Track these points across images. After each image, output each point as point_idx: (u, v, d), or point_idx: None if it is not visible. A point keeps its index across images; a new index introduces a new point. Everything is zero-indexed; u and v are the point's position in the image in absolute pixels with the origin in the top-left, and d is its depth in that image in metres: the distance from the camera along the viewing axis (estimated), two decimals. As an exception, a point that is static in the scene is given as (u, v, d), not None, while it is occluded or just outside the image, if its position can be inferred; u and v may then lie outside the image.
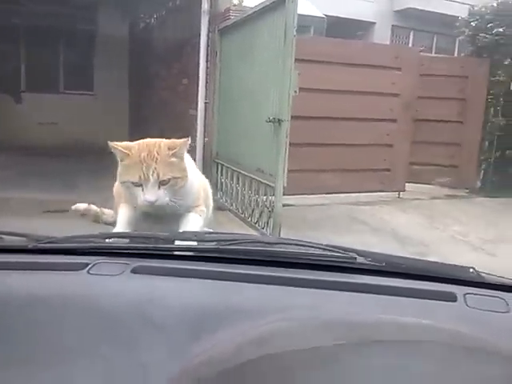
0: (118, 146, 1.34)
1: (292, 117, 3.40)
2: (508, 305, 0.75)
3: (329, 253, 0.88)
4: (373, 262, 0.86)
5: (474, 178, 6.51)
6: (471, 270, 0.85)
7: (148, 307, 0.69)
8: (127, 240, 1.02)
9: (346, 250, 0.88)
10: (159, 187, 1.29)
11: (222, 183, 4.99)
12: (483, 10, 6.29)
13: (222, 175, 5.00)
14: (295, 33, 3.17)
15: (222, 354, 0.57)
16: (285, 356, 0.54)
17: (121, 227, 1.35)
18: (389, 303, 0.74)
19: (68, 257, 0.86)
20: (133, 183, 1.31)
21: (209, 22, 4.92)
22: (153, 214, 1.35)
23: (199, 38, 5.06)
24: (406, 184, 6.13)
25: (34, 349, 0.61)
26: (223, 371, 0.52)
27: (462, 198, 6.32)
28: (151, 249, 0.90)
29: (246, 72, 4.00)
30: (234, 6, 4.53)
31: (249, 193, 4.42)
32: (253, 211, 4.36)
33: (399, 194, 6.06)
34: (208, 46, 4.99)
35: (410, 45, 13.07)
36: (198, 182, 1.47)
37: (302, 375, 0.40)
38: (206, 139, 5.27)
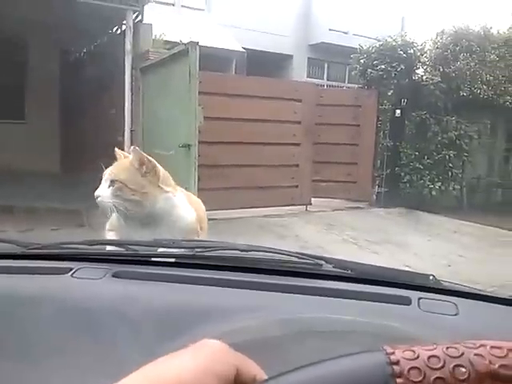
0: (118, 152, 1.47)
1: (209, 142, 4.16)
2: (458, 309, 0.80)
3: (298, 259, 0.93)
4: (338, 268, 0.91)
5: (370, 192, 7.57)
6: (431, 277, 0.91)
7: (126, 308, 0.73)
8: (110, 246, 1.07)
9: (314, 257, 0.93)
10: (109, 186, 1.33)
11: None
12: (370, 49, 7.48)
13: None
14: (198, 76, 3.96)
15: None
16: (242, 344, 0.56)
17: (107, 234, 1.42)
18: (344, 305, 0.79)
19: (54, 262, 0.91)
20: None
21: (132, 60, 5.63)
22: (133, 219, 1.37)
23: (124, 74, 5.76)
24: (314, 199, 7.05)
25: (20, 345, 0.66)
26: None
27: (361, 209, 7.34)
28: (132, 255, 0.95)
29: (163, 105, 4.75)
30: (153, 48, 5.28)
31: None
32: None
33: (306, 207, 6.97)
34: (132, 81, 5.69)
35: (325, 75, 14.45)
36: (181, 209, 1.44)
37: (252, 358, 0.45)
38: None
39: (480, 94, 7.22)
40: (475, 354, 0.37)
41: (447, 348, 0.37)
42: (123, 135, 5.87)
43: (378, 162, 7.53)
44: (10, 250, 0.94)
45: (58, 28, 6.55)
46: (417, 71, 7.53)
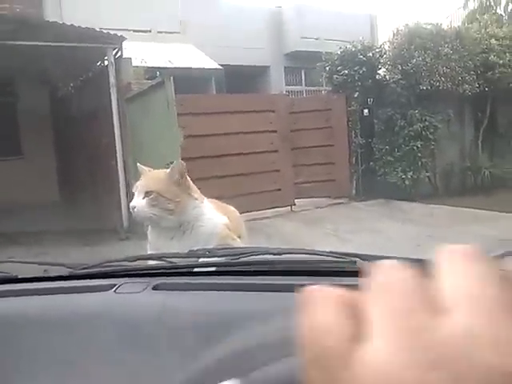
0: (142, 168, 1.51)
1: (192, 158, 4.73)
2: None
3: (331, 258, 0.93)
4: None
5: (349, 188, 8.17)
6: None
7: (166, 319, 0.77)
8: (150, 261, 1.11)
9: (348, 254, 0.92)
10: (143, 197, 1.37)
11: (143, 217, 6.20)
12: (333, 56, 8.12)
13: (142, 211, 6.22)
14: (175, 102, 4.57)
15: (236, 357, 0.63)
16: (285, 342, 0.53)
17: (150, 248, 1.45)
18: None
19: (99, 280, 0.95)
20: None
21: (117, 92, 6.23)
22: (162, 234, 1.41)
23: (111, 105, 6.35)
24: (298, 200, 7.63)
25: (73, 357, 0.72)
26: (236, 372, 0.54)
27: (341, 204, 7.93)
28: (170, 267, 0.99)
29: (148, 129, 5.37)
30: (134, 79, 5.90)
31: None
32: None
33: (291, 208, 7.54)
34: (119, 111, 6.28)
35: (303, 82, 15.09)
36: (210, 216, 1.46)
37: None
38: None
39: (439, 86, 7.81)
40: None
41: None
42: (116, 160, 6.44)
43: (353, 159, 8.13)
44: (58, 271, 1.01)
45: (45, 69, 7.14)
46: (378, 72, 8.16)
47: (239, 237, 1.49)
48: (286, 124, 7.24)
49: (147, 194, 1.37)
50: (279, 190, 7.40)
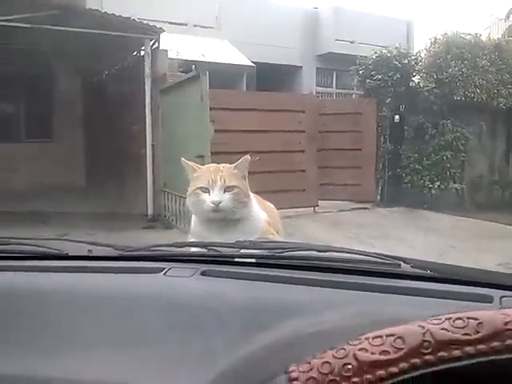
0: (188, 162, 1.51)
1: (221, 152, 4.77)
2: None
3: (375, 259, 0.93)
4: (417, 268, 0.90)
5: (374, 193, 8.11)
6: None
7: (214, 303, 0.79)
8: (197, 248, 1.14)
9: (392, 257, 0.93)
10: (224, 192, 1.40)
11: (169, 207, 6.30)
12: (367, 61, 8.07)
13: (169, 201, 6.31)
14: (208, 95, 4.62)
15: (281, 345, 0.64)
16: (323, 334, 0.62)
17: (192, 236, 1.47)
18: (423, 303, 0.78)
19: (147, 263, 0.98)
20: (202, 189, 1.42)
21: (151, 82, 6.32)
22: (214, 225, 1.43)
23: (145, 95, 6.45)
24: (321, 201, 7.62)
25: (121, 335, 0.75)
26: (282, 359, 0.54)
27: (365, 209, 7.89)
28: (216, 255, 1.02)
29: (179, 121, 5.43)
30: (169, 72, 5.98)
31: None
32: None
33: (314, 209, 7.54)
34: (151, 101, 6.37)
35: (334, 84, 15.00)
36: (258, 210, 1.51)
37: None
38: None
39: (474, 97, 7.70)
40: (359, 349, 0.41)
41: (337, 351, 0.42)
42: (145, 149, 6.54)
43: (380, 164, 8.08)
44: (107, 252, 1.04)
45: (83, 56, 7.29)
46: (413, 79, 8.08)
47: (277, 232, 1.51)
48: (315, 125, 7.23)
49: (228, 188, 1.39)
50: (303, 190, 7.40)
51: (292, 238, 6.29)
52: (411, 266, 0.90)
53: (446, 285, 0.84)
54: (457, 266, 0.96)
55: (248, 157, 1.47)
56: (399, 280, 0.87)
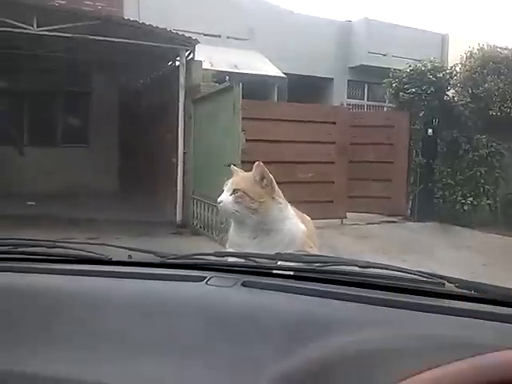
0: (234, 168, 1.56)
1: (251, 161, 4.78)
2: None
3: (418, 277, 0.92)
4: (461, 288, 0.89)
5: (404, 207, 8.01)
6: None
7: (257, 314, 0.80)
8: (236, 258, 1.14)
9: (435, 276, 0.91)
10: (230, 194, 1.44)
11: (197, 214, 6.37)
12: (401, 74, 8.01)
13: (197, 208, 6.39)
14: (240, 107, 4.68)
15: (319, 359, 0.64)
16: (364, 354, 0.63)
17: (228, 242, 1.52)
18: (468, 324, 0.76)
19: (189, 271, 0.99)
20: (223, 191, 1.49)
21: (185, 92, 6.45)
22: (246, 228, 1.46)
23: (178, 104, 6.58)
24: (350, 213, 7.56)
25: (161, 342, 0.76)
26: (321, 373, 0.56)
27: (394, 223, 7.78)
28: (256, 266, 1.02)
29: (211, 131, 5.52)
30: (203, 82, 6.09)
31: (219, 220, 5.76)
32: (224, 235, 5.70)
33: (342, 221, 7.49)
34: (184, 110, 6.50)
35: (365, 96, 14.92)
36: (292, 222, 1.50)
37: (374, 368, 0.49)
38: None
39: (510, 112, 7.55)
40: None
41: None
42: (177, 156, 6.66)
43: (412, 178, 7.97)
44: (150, 259, 1.06)
45: (120, 65, 7.51)
46: (447, 93, 7.98)
47: (314, 244, 1.53)
48: (346, 137, 7.21)
49: (234, 191, 1.43)
50: (332, 201, 7.36)
51: (319, 249, 6.26)
52: (455, 286, 0.89)
53: (493, 306, 0.82)
54: (502, 288, 0.91)
55: (260, 163, 1.49)
56: (443, 299, 0.85)
